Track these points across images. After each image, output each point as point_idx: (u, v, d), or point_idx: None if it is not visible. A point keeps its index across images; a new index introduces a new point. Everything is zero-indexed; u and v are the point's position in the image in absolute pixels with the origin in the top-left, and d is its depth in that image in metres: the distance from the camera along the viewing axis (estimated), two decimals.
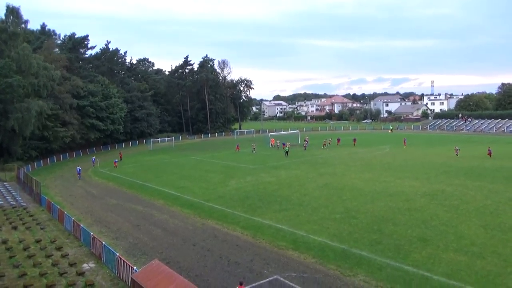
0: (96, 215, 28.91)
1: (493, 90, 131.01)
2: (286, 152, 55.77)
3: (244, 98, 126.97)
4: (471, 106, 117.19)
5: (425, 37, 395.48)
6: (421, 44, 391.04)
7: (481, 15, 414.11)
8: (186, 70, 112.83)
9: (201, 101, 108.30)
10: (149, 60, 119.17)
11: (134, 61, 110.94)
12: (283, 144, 60.77)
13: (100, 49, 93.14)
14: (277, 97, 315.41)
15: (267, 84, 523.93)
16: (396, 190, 31.61)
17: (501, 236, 20.29)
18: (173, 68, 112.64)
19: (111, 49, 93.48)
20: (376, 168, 43.09)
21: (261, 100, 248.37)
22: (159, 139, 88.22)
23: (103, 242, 19.47)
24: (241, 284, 12.57)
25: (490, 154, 48.14)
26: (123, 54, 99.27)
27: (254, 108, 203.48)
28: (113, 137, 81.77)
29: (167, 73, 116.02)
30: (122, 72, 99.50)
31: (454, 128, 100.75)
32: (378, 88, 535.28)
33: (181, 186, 36.95)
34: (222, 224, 24.40)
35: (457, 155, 49.19)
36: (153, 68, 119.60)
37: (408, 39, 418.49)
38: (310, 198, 29.84)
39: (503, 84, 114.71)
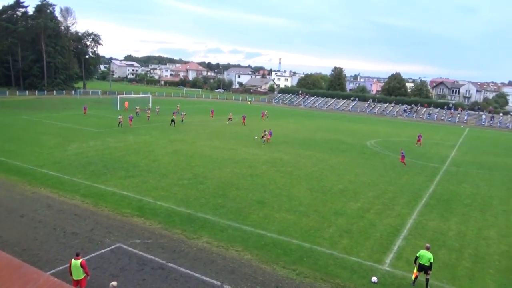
0: None
1: (328, 72, 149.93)
2: (172, 121, 50.81)
3: (90, 54, 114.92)
4: (309, 84, 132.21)
5: (279, 16, 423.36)
6: (275, 22, 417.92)
7: (328, 5, 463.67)
8: (17, 12, 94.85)
9: (37, 52, 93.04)
10: None
11: None
12: (173, 113, 54.64)
13: None
14: (129, 57, 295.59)
15: (118, 42, 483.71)
16: (241, 157, 33.79)
17: (322, 197, 23.95)
18: (0, 8, 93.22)
19: None
20: (225, 136, 45.06)
21: (111, 58, 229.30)
22: None
23: None
24: (77, 255, 11.71)
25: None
26: None
27: (102, 67, 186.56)
28: None
29: None
30: None
31: (295, 103, 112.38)
32: (233, 60, 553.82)
33: (7, 150, 31.69)
34: (58, 193, 22.04)
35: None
36: None
37: (263, 15, 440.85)
38: (159, 165, 29.47)
39: (335, 68, 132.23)
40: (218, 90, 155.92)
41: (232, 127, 53.40)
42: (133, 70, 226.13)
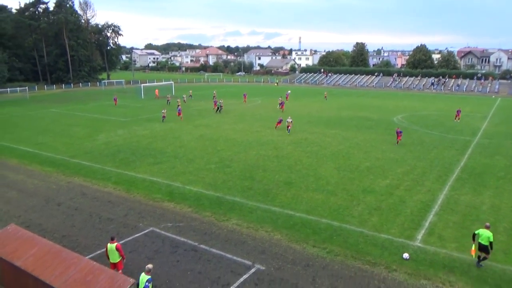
0: None
1: (350, 48, 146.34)
2: (218, 108, 50.05)
3: (111, 45, 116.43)
4: (331, 62, 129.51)
5: None
6: (293, 1, 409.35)
7: None
8: (39, 9, 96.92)
9: (61, 47, 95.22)
10: None
11: None
12: (214, 102, 53.11)
13: None
14: (149, 46, 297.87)
15: (138, 31, 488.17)
16: (266, 139, 33.83)
17: (349, 175, 23.76)
18: (22, 6, 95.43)
19: None
20: (249, 119, 45.11)
21: (132, 48, 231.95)
22: (8, 89, 75.97)
23: None
24: (112, 239, 12.19)
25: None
26: None
27: (123, 57, 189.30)
28: None
29: (14, 11, 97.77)
30: None
31: (317, 82, 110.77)
32: (252, 42, 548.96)
33: (40, 142, 32.98)
34: (91, 181, 22.86)
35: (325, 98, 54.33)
36: None
37: None
38: (186, 150, 29.93)
39: (357, 43, 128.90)
40: (239, 73, 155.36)
41: (256, 110, 53.31)
42: (154, 58, 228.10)
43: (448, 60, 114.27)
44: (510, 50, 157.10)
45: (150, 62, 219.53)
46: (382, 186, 21.83)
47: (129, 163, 26.37)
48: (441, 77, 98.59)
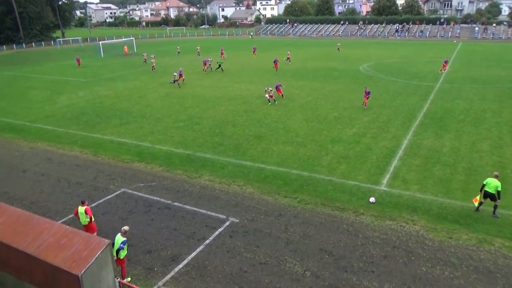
0: None
1: None
2: (220, 66, 46.28)
3: (63, 0, 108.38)
4: (296, 11, 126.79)
5: None
6: None
7: None
8: None
9: (6, 3, 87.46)
10: None
11: None
12: (204, 62, 46.21)
13: None
14: (105, 0, 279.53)
15: None
16: (234, 94, 33.47)
17: (318, 126, 24.16)
18: None
19: None
20: (216, 75, 44.20)
21: (86, 2, 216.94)
22: None
23: None
24: (83, 203, 12.04)
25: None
26: None
27: (77, 13, 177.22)
28: None
29: None
30: None
31: (283, 33, 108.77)
32: None
33: None
34: (55, 146, 22.11)
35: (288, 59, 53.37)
36: None
37: None
38: (152, 109, 29.24)
39: None
40: (203, 26, 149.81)
41: (223, 64, 52.11)
42: (111, 13, 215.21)
43: (412, 5, 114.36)
44: None
45: (107, 18, 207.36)
46: (350, 135, 22.40)
47: (94, 125, 25.57)
48: (405, 23, 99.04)
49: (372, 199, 14.86)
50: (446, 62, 43.76)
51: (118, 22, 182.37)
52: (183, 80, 38.09)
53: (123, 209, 14.85)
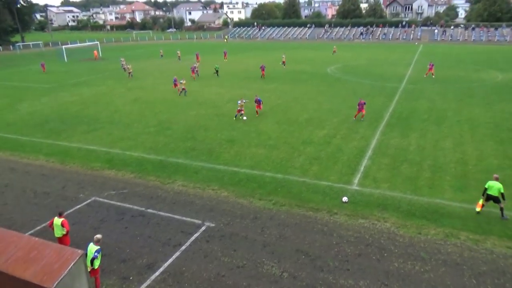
0: None
1: (281, 0, 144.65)
2: (217, 71, 45.07)
3: (22, 2, 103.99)
4: (264, 15, 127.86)
5: None
6: None
7: None
8: None
9: None
10: None
11: None
12: (193, 68, 44.34)
13: None
14: (66, 2, 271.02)
15: None
16: (204, 98, 33.32)
17: (289, 128, 24.46)
18: None
19: None
20: (185, 78, 43.78)
21: (46, 5, 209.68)
22: None
23: None
24: (60, 214, 11.62)
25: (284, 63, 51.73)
26: None
27: (37, 16, 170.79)
28: None
29: None
30: None
31: (251, 36, 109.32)
32: None
33: None
34: (19, 155, 21.21)
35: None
36: None
37: None
38: (121, 115, 28.63)
39: None
40: (170, 30, 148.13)
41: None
42: (73, 16, 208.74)
43: (375, 9, 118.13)
44: None
45: (69, 21, 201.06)
46: (321, 136, 22.82)
47: (60, 133, 24.73)
48: (369, 26, 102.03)
49: (344, 199, 15.21)
50: (431, 65, 42.08)
51: (81, 26, 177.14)
52: (183, 89, 34.57)
53: (95, 218, 14.46)
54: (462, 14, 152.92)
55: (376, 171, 17.86)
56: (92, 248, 10.13)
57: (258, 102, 27.24)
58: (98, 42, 75.83)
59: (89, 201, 15.76)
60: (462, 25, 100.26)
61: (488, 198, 13.78)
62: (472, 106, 29.07)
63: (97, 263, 10.16)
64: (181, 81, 35.10)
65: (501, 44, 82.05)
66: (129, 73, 45.46)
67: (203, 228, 13.56)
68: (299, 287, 10.65)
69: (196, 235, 13.15)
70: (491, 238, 12.66)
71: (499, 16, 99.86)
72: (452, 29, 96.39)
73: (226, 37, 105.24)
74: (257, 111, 27.32)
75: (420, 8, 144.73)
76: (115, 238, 13.10)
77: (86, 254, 10.02)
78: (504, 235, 12.77)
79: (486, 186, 13.78)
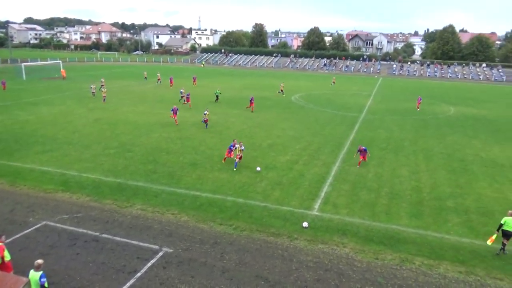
0: None
1: (249, 29, 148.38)
2: (217, 97, 43.62)
3: None
4: (231, 42, 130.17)
5: None
6: None
7: None
8: None
9: None
10: None
11: None
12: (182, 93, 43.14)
13: None
14: (29, 20, 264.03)
15: (14, 2, 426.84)
16: (168, 121, 32.95)
17: (252, 153, 24.52)
18: None
19: None
20: (149, 101, 43.35)
21: (7, 22, 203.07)
22: None
23: None
24: None
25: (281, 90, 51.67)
26: None
27: None
28: None
29: None
30: None
31: (218, 62, 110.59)
32: (150, 19, 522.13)
33: None
34: None
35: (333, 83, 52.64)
36: None
37: None
38: (80, 135, 27.69)
39: (256, 24, 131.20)
40: (136, 52, 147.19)
41: (156, 90, 51.40)
42: (36, 34, 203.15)
43: (338, 42, 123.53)
44: (389, 34, 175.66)
45: (31, 39, 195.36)
46: (283, 162, 23.05)
47: (12, 153, 23.48)
48: (332, 58, 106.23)
49: (305, 224, 15.29)
50: (419, 100, 43.90)
51: (43, 44, 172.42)
52: (205, 121, 31.02)
53: (44, 243, 13.62)
54: (418, 51, 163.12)
55: (336, 197, 18.17)
56: (35, 275, 9.44)
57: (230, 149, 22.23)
58: (60, 61, 73.87)
59: (39, 225, 14.88)
60: (418, 62, 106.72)
61: (504, 234, 13.50)
62: (427, 137, 30.57)
63: None
64: (205, 112, 30.98)
65: (453, 80, 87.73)
66: (103, 97, 42.30)
67: (161, 253, 13.11)
68: None
69: (152, 261, 12.68)
70: (444, 263, 13.08)
71: (451, 55, 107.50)
72: (409, 64, 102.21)
73: (203, 62, 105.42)
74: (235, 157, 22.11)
75: (380, 43, 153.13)
76: (65, 265, 12.37)
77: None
78: (456, 260, 13.24)
79: (502, 222, 13.45)
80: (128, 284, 11.49)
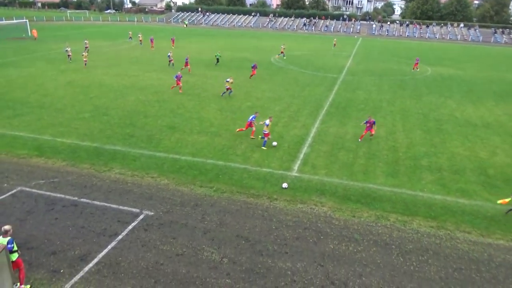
0: None
1: None
2: (218, 59, 42.64)
3: None
4: (208, 0, 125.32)
5: None
6: None
7: None
8: None
9: None
10: None
11: None
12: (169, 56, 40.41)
13: None
14: None
15: None
16: (145, 83, 32.12)
17: (232, 116, 24.38)
18: None
19: None
20: (124, 62, 41.90)
21: None
22: None
23: None
24: None
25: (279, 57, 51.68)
26: None
27: None
28: None
29: None
30: None
31: (195, 22, 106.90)
32: None
33: None
34: None
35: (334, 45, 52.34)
36: None
37: None
38: (53, 99, 26.71)
39: None
40: (108, 11, 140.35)
41: (131, 52, 49.61)
42: None
43: (318, 1, 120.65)
44: None
45: None
46: (263, 124, 22.95)
47: None
48: (312, 18, 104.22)
49: (284, 185, 15.53)
50: (417, 60, 44.83)
51: (7, 2, 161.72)
52: (228, 89, 29.04)
53: (21, 209, 13.41)
54: (398, 11, 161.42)
55: (315, 158, 18.42)
56: (3, 241, 9.28)
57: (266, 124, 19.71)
58: (27, 21, 69.80)
59: (14, 191, 14.57)
60: (397, 21, 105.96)
61: None
62: (404, 98, 30.96)
63: (14, 256, 9.39)
64: (227, 80, 28.83)
65: (431, 40, 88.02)
66: (85, 61, 38.72)
67: (141, 216, 13.14)
68: (238, 271, 10.74)
69: (133, 224, 12.71)
70: (417, 219, 13.66)
71: (430, 14, 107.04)
72: (389, 24, 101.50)
73: (186, 22, 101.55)
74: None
75: (360, 2, 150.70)
76: (43, 230, 12.26)
77: None
78: (429, 216, 13.84)
79: None
80: (110, 246, 11.54)
